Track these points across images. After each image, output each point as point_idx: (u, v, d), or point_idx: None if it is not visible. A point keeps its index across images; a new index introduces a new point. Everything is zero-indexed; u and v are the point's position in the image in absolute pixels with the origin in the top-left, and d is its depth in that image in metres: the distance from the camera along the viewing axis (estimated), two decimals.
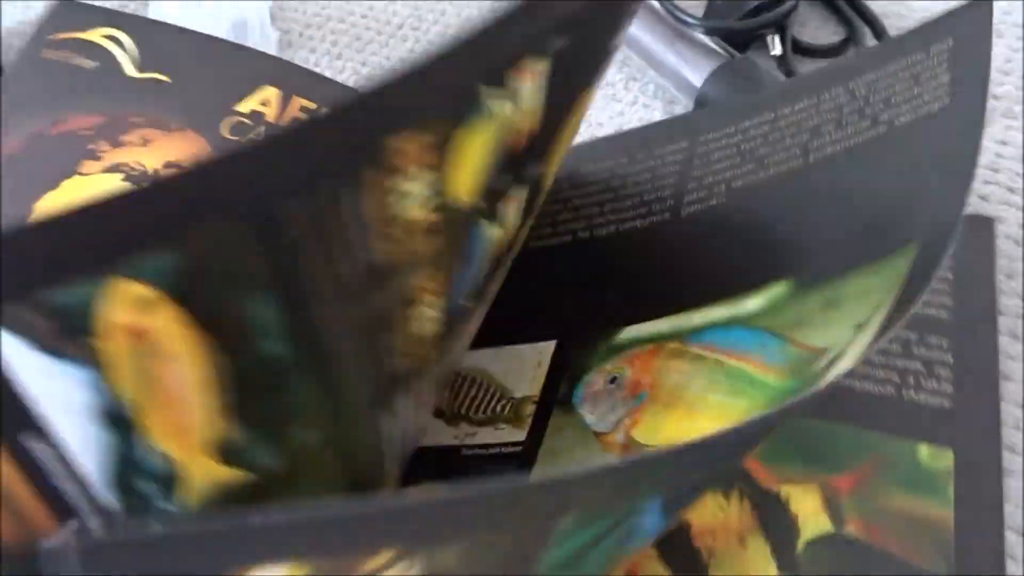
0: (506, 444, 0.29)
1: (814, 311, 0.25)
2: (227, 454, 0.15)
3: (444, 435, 0.30)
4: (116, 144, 0.35)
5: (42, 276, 0.13)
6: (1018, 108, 0.38)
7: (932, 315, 0.29)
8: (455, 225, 0.18)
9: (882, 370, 0.29)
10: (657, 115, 0.41)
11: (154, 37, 0.38)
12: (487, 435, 0.30)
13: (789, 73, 0.39)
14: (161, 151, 0.35)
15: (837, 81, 0.31)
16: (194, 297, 0.14)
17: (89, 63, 0.37)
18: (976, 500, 0.25)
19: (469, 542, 0.14)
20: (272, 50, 0.43)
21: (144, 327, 0.14)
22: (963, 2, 0.30)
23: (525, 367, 0.31)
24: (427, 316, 0.18)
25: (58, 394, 0.14)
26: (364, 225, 0.15)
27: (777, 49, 0.40)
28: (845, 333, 0.23)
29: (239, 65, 0.38)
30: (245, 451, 0.15)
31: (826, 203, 0.28)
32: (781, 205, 0.29)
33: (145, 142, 0.35)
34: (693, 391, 0.27)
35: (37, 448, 0.15)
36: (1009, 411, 0.30)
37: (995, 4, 0.42)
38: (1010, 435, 0.29)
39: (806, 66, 0.41)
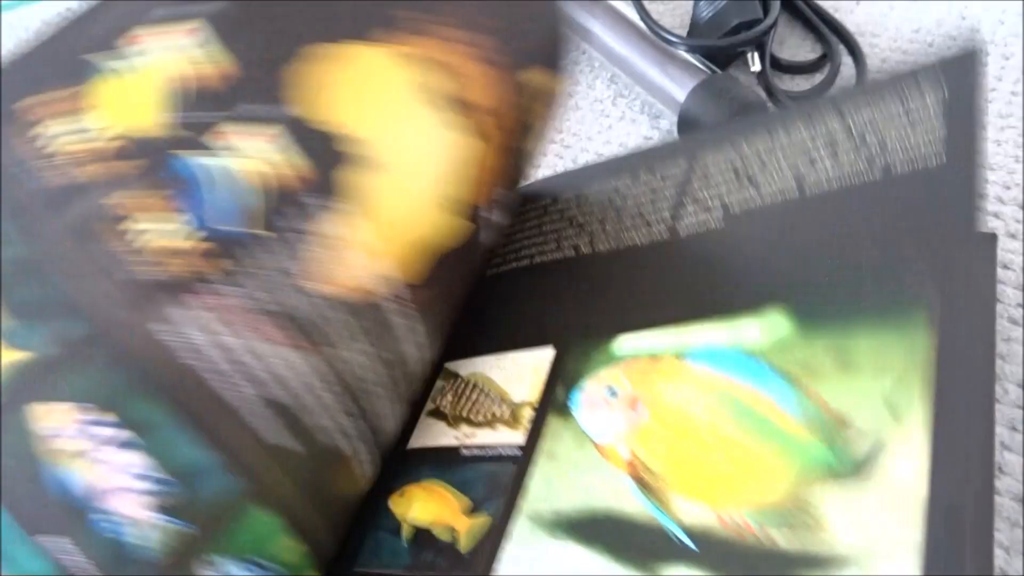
0: (505, 445, 0.30)
1: (825, 361, 0.25)
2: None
3: (445, 436, 0.32)
4: (423, 32, 0.26)
5: None
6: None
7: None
8: (148, 151, 0.23)
9: None
10: (644, 129, 0.43)
11: None
12: (486, 436, 0.31)
13: (768, 88, 0.41)
14: (476, 82, 0.27)
15: (833, 113, 0.32)
16: None
17: None
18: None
19: None
20: None
21: None
22: (952, 46, 0.31)
23: (524, 373, 0.32)
24: (151, 229, 0.22)
25: None
26: (22, 162, 0.23)
27: (757, 66, 0.42)
28: (872, 405, 0.23)
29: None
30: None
31: (823, 238, 0.29)
32: (777, 233, 0.30)
33: (469, 55, 0.27)
34: (700, 418, 0.27)
35: None
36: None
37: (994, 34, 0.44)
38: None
39: (784, 82, 0.43)
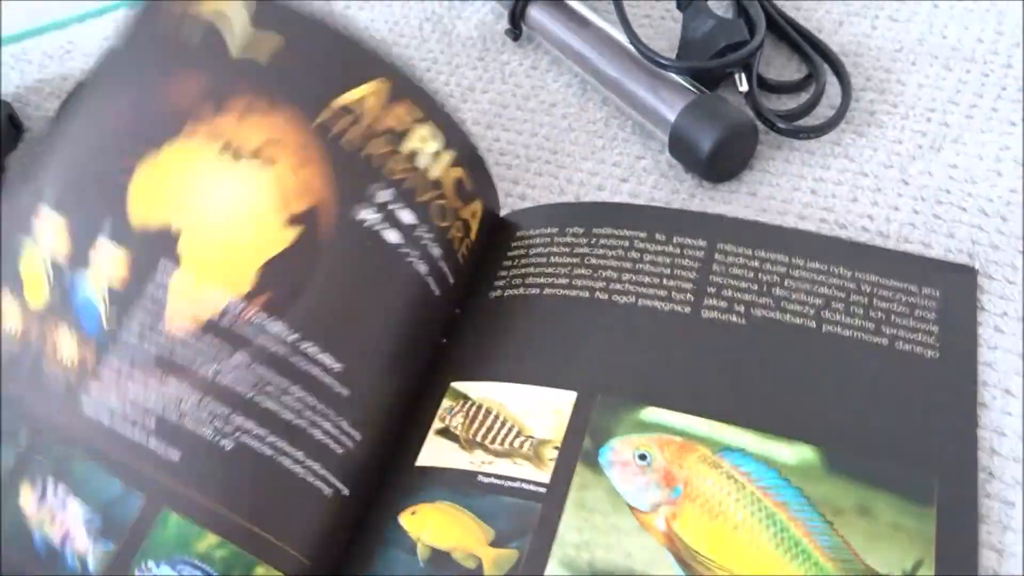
0: (528, 481, 0.31)
1: (850, 510, 0.29)
2: None
3: (459, 459, 0.32)
4: (217, 113, 0.34)
5: None
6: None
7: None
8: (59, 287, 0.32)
9: None
10: (636, 149, 0.44)
11: (265, 12, 0.36)
12: (506, 467, 0.32)
13: (756, 108, 0.42)
14: (261, 127, 0.34)
15: (845, 263, 0.36)
16: None
17: (196, 36, 0.36)
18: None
19: None
20: None
21: None
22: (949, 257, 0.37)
23: (544, 409, 0.33)
24: (63, 345, 0.32)
25: None
26: None
27: (744, 86, 0.43)
28: (893, 568, 0.28)
29: (349, 53, 0.35)
30: None
31: (844, 386, 0.32)
32: (799, 358, 0.33)
33: (245, 115, 0.34)
34: (735, 515, 0.29)
35: None
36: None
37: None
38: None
39: (772, 102, 0.44)
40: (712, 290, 0.35)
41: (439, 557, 0.30)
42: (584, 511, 0.30)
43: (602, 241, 0.37)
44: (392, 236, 0.34)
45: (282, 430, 0.31)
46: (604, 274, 0.36)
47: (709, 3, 0.46)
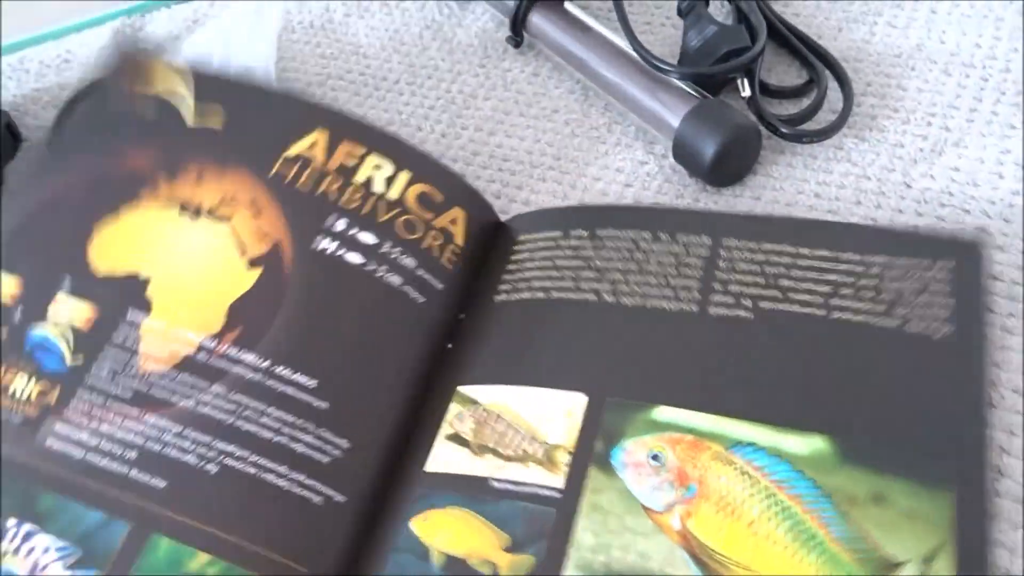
0: (542, 486, 0.31)
1: (865, 499, 0.29)
2: None
3: (470, 465, 0.32)
4: (173, 179, 0.38)
5: None
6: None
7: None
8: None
9: None
10: (639, 154, 0.44)
11: (211, 88, 0.41)
12: (518, 472, 0.32)
13: (759, 112, 0.43)
14: (216, 188, 0.38)
15: (852, 247, 0.35)
16: None
17: (152, 111, 0.40)
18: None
19: None
20: None
21: None
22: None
23: (554, 413, 0.33)
24: (20, 387, 0.33)
25: None
26: None
27: (747, 91, 0.43)
28: (911, 555, 0.28)
29: (290, 111, 0.40)
30: None
31: (850, 370, 0.32)
32: (808, 348, 0.33)
33: (201, 179, 0.38)
34: (750, 511, 0.29)
35: None
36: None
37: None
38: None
39: (773, 107, 0.45)
40: (718, 286, 0.35)
41: (454, 563, 0.30)
42: (599, 514, 0.30)
43: (606, 243, 0.37)
44: (354, 258, 0.36)
45: (264, 449, 0.32)
46: (610, 276, 0.36)
47: (709, 9, 0.47)
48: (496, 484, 0.31)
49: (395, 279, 0.36)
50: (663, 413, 0.32)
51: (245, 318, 0.34)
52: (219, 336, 0.34)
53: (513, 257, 0.39)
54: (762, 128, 0.42)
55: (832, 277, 0.34)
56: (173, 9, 0.56)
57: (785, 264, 0.35)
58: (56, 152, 0.39)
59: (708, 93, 0.43)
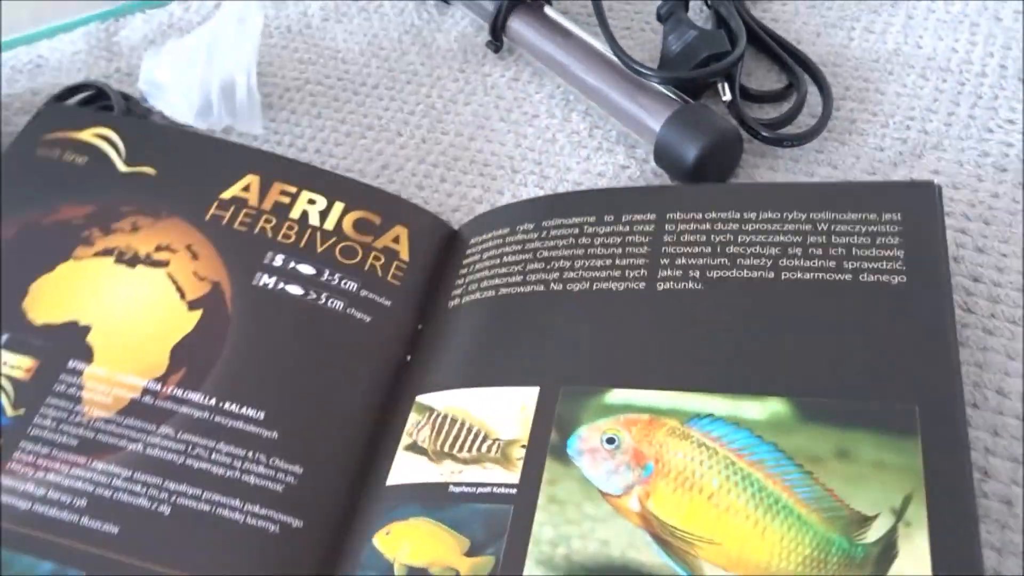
0: (498, 484, 0.30)
1: (829, 456, 0.28)
2: None
3: (429, 472, 0.32)
4: (107, 231, 0.39)
5: None
6: None
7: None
8: None
9: None
10: (620, 159, 0.44)
11: (140, 135, 0.42)
12: (475, 474, 0.31)
13: (740, 117, 0.43)
14: (151, 236, 0.38)
15: (798, 206, 0.35)
16: None
17: (80, 159, 0.41)
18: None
19: None
20: (257, 110, 0.46)
21: None
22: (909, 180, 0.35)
23: (508, 410, 0.32)
24: None
25: None
26: None
27: (727, 95, 0.43)
28: (881, 508, 0.27)
29: (221, 156, 0.41)
30: None
31: (805, 329, 0.31)
32: (760, 312, 0.32)
33: (135, 228, 0.39)
34: (710, 483, 0.29)
35: None
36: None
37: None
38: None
39: (754, 111, 0.45)
40: (665, 261, 0.35)
41: (416, 574, 0.29)
42: (555, 505, 0.29)
43: (552, 232, 0.37)
44: (295, 289, 0.37)
45: (216, 484, 0.32)
46: (557, 264, 0.36)
47: (689, 14, 0.47)
48: (454, 489, 0.31)
49: (338, 304, 0.37)
50: (616, 396, 0.31)
51: (189, 359, 0.35)
52: (163, 378, 0.34)
53: (464, 261, 0.39)
54: (743, 132, 0.42)
55: (780, 239, 0.34)
56: (148, 14, 0.56)
57: (732, 231, 0.35)
58: None
59: (689, 98, 0.43)
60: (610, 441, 0.30)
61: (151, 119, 0.48)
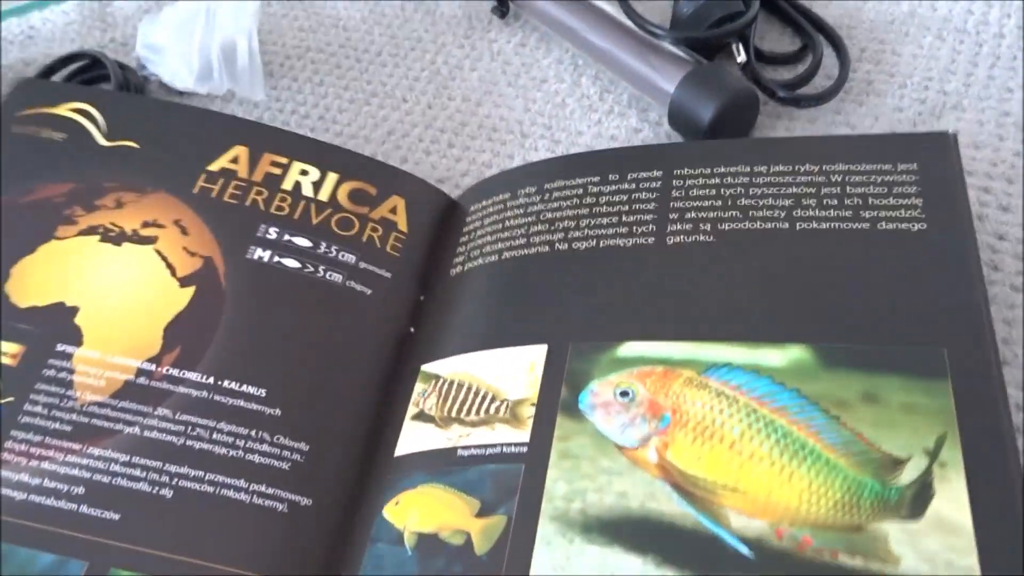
0: (508, 444, 0.30)
1: (856, 400, 0.27)
2: None
3: (436, 439, 0.31)
4: (90, 208, 0.37)
5: None
6: None
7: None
8: None
9: None
10: (633, 122, 0.43)
11: (121, 108, 0.40)
12: (484, 435, 0.30)
13: (756, 78, 0.42)
14: (137, 212, 0.37)
15: (810, 159, 0.34)
16: None
17: (58, 135, 0.39)
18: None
19: None
20: (259, 74, 0.45)
21: None
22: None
23: (516, 369, 0.31)
24: None
25: None
26: None
27: (742, 56, 0.42)
28: (914, 450, 0.26)
29: (206, 128, 0.39)
30: None
31: (824, 276, 0.31)
32: (776, 262, 0.32)
33: (120, 204, 0.37)
34: (731, 432, 0.28)
35: None
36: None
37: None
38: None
39: (768, 73, 0.44)
40: (675, 216, 0.34)
41: (426, 541, 0.28)
42: (569, 460, 0.28)
43: (555, 194, 0.36)
44: (291, 263, 0.36)
45: (219, 465, 0.31)
46: (561, 225, 0.35)
47: None
48: (463, 452, 0.30)
49: (337, 276, 0.35)
50: (629, 349, 0.31)
51: (183, 337, 0.33)
52: (158, 358, 0.33)
53: (465, 229, 0.38)
54: (759, 93, 0.41)
55: (793, 191, 0.33)
56: None
57: (742, 184, 0.34)
58: None
59: (702, 58, 0.42)
60: (624, 394, 0.29)
61: (147, 89, 0.47)
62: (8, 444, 0.31)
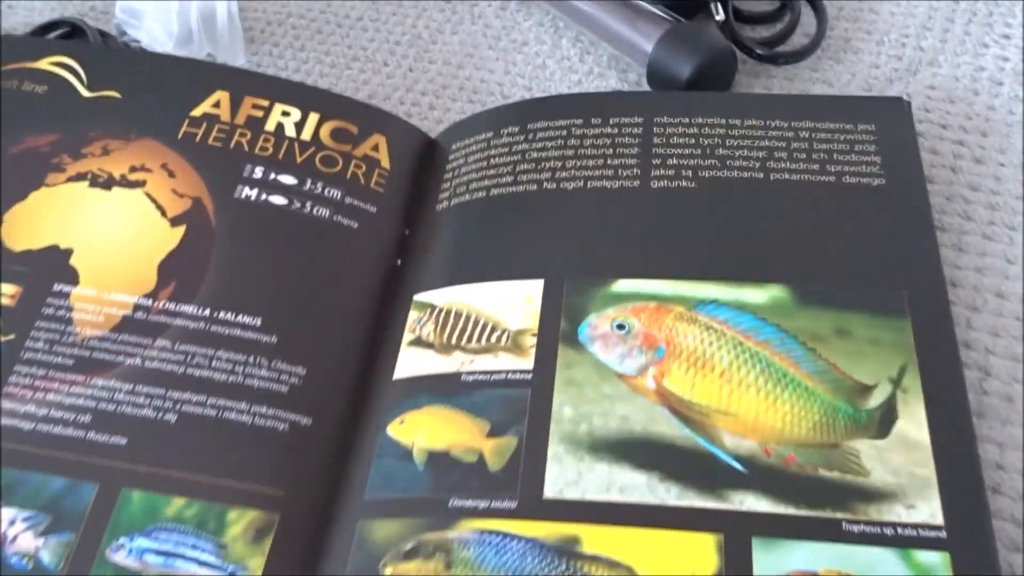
0: (513, 371, 0.31)
1: (829, 334, 0.31)
2: None
3: (438, 364, 0.32)
4: (77, 156, 0.38)
5: None
6: None
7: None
8: None
9: None
10: (612, 83, 0.44)
11: (101, 60, 0.41)
12: (487, 362, 0.32)
13: (734, 37, 0.42)
14: (124, 158, 0.37)
15: (780, 115, 0.37)
16: None
17: (40, 88, 0.40)
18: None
19: None
20: (239, 38, 0.45)
21: None
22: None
23: (514, 301, 0.33)
24: None
25: None
26: None
27: (720, 15, 0.43)
28: (880, 378, 0.29)
29: (186, 75, 0.40)
30: None
31: (798, 223, 0.33)
32: (754, 208, 0.34)
33: (106, 152, 0.38)
34: (720, 361, 0.30)
35: None
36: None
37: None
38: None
39: (746, 32, 0.44)
40: (657, 161, 0.36)
41: (437, 457, 0.30)
42: (573, 387, 0.30)
43: (539, 134, 0.38)
44: (278, 200, 0.37)
45: (220, 390, 0.32)
46: (548, 165, 0.37)
47: None
48: (467, 377, 0.32)
49: (323, 211, 0.37)
50: (623, 286, 0.33)
51: (177, 273, 0.35)
52: (154, 294, 0.34)
53: (448, 166, 0.39)
54: (737, 50, 0.41)
55: (765, 143, 0.36)
56: None
57: (719, 135, 0.36)
58: None
59: (681, 17, 0.42)
60: (620, 327, 0.31)
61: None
62: (12, 379, 0.32)
